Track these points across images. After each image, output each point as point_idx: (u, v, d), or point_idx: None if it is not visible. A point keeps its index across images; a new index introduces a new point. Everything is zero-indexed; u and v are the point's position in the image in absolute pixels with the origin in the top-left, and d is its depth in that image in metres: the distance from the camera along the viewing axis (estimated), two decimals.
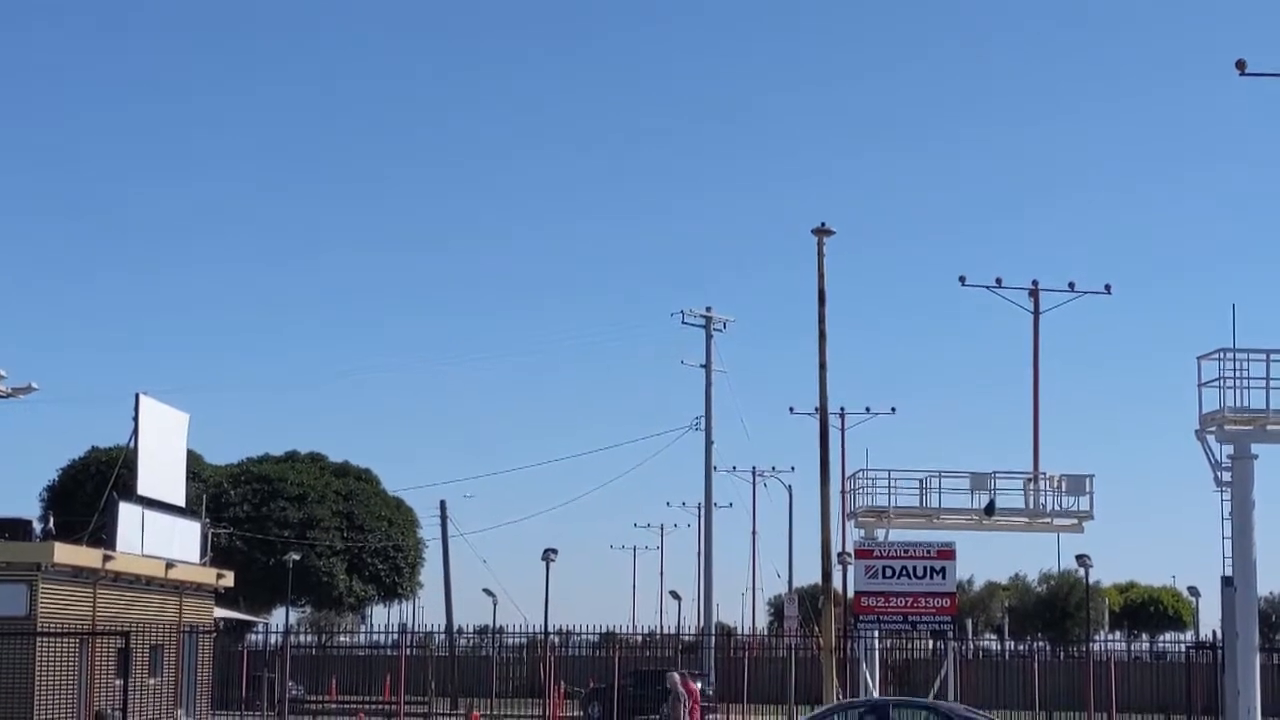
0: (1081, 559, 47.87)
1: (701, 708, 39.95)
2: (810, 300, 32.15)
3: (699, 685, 38.38)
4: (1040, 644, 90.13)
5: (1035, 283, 45.33)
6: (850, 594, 40.90)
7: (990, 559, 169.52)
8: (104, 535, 46.31)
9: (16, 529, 44.21)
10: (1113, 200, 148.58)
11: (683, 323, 73.22)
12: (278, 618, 75.27)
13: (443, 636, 71.20)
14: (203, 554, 54.69)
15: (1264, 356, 30.81)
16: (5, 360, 53.02)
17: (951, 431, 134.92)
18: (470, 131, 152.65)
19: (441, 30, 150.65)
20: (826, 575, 32.82)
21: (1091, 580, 73.55)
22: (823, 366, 32.26)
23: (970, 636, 77.29)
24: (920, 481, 42.14)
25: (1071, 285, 45.58)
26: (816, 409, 33.21)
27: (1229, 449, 31.17)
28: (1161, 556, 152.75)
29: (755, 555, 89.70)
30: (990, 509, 41.89)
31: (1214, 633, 41.12)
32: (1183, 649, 57.00)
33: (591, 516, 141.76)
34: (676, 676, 37.75)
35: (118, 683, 40.94)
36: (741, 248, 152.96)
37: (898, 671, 63.13)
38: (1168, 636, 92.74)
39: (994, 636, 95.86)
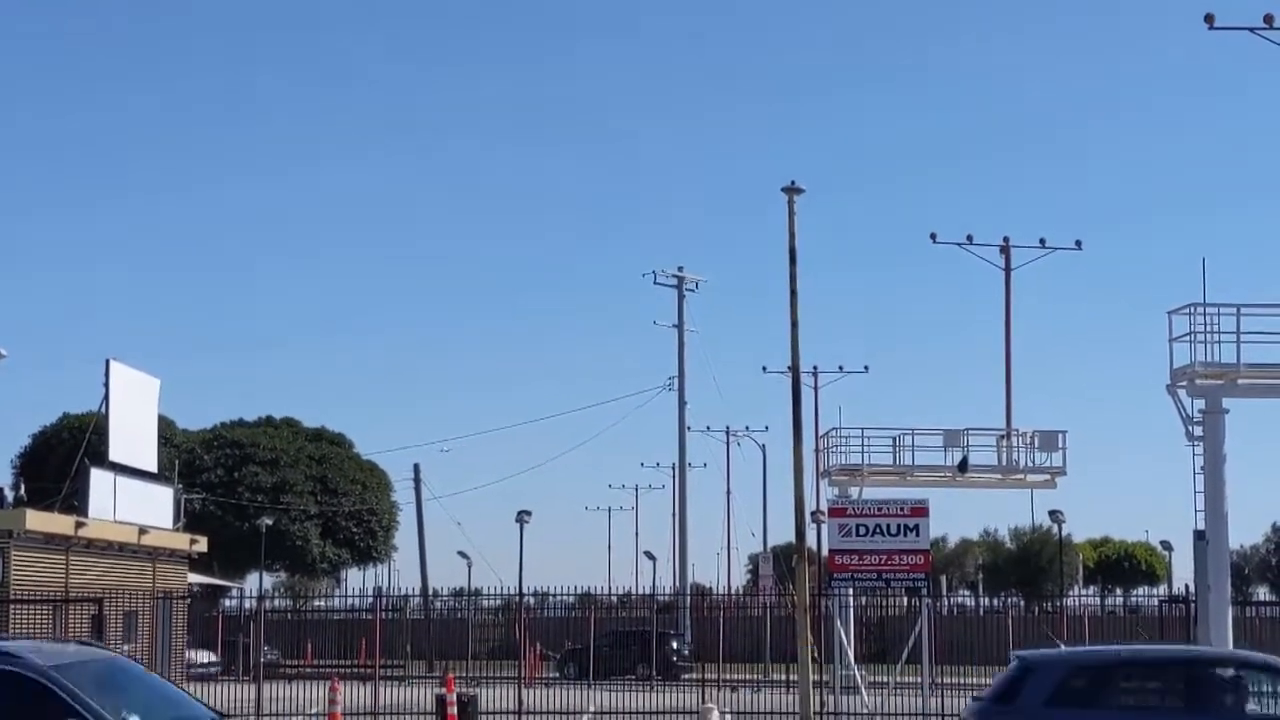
0: (1055, 514, 48.14)
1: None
2: (781, 259, 31.93)
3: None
4: (1014, 599, 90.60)
5: (1006, 239, 45.26)
6: (824, 552, 40.90)
7: (964, 516, 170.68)
8: (76, 502, 46.14)
9: None
10: (1082, 155, 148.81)
11: (655, 283, 73.28)
12: (252, 583, 75.29)
13: (418, 600, 71.23)
14: (176, 520, 54.56)
15: (1234, 310, 30.79)
16: None
17: (924, 389, 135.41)
18: (441, 98, 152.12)
19: None
20: (800, 534, 32.68)
21: (1065, 535, 73.80)
22: (794, 325, 32.05)
23: (945, 593, 77.62)
24: (893, 439, 42.14)
25: (1042, 242, 45.53)
26: (789, 368, 33.01)
27: (1200, 403, 31.20)
28: (1134, 511, 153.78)
29: (730, 515, 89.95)
30: (963, 466, 41.90)
31: (1186, 586, 41.23)
32: (1156, 603, 57.27)
33: (565, 478, 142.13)
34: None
35: None
36: (712, 207, 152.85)
37: (872, 629, 63.43)
38: (1141, 590, 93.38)
39: (968, 593, 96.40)
